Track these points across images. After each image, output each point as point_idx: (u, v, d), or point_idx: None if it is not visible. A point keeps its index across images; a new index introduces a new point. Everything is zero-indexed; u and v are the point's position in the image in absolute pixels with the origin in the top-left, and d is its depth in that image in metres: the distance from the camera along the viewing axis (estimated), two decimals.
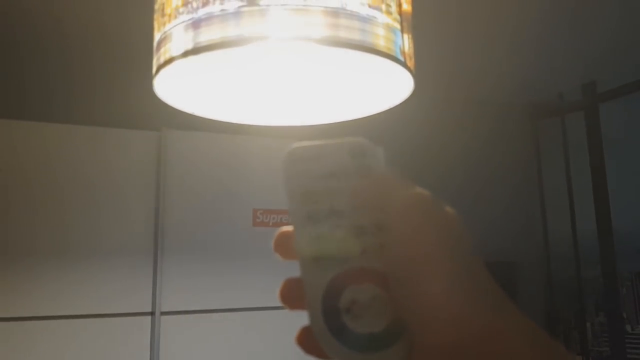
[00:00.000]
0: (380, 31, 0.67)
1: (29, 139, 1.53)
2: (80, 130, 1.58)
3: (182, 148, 1.65)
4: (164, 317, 1.54)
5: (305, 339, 0.28)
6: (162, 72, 0.70)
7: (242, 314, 1.62)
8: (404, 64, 0.70)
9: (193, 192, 1.64)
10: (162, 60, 0.69)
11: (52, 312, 1.46)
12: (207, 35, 0.64)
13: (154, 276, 1.55)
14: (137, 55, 1.61)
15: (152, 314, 1.53)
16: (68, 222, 1.51)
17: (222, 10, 0.63)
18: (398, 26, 0.70)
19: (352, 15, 0.65)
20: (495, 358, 0.24)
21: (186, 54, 0.65)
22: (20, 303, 1.44)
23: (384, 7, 0.68)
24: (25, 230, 1.47)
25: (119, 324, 1.51)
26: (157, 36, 0.72)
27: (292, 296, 0.30)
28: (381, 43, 0.67)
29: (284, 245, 0.31)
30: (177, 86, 0.80)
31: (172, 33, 0.68)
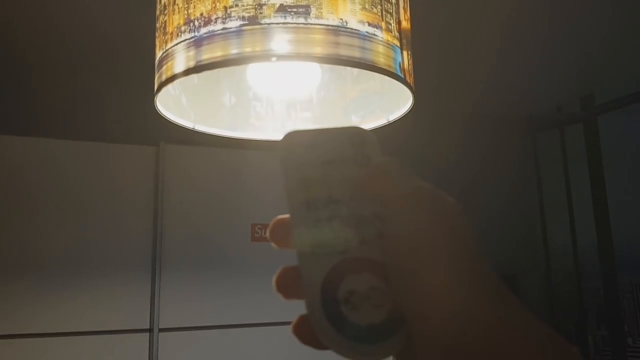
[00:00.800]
0: (380, 48, 0.67)
1: (27, 155, 1.53)
2: (78, 146, 1.58)
3: (180, 163, 1.65)
4: (162, 334, 1.52)
5: (302, 328, 0.27)
6: (164, 90, 0.70)
7: (241, 330, 1.61)
8: (403, 81, 0.70)
9: (191, 207, 1.64)
10: (163, 77, 0.69)
11: (49, 330, 1.44)
12: (209, 53, 0.64)
13: (152, 292, 1.54)
14: (135, 70, 1.61)
15: (150, 330, 1.52)
16: (65, 237, 1.50)
17: (224, 29, 0.63)
18: (397, 43, 0.70)
19: (352, 33, 0.65)
20: (498, 351, 0.23)
21: (188, 71, 0.66)
22: (16, 320, 1.43)
23: (383, 25, 0.68)
24: (22, 246, 1.46)
25: (116, 341, 1.49)
26: (158, 54, 0.72)
27: (287, 285, 0.29)
28: (381, 60, 0.67)
29: (280, 233, 0.30)
30: (177, 102, 0.80)
31: (174, 51, 0.68)
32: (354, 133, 0.31)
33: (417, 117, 2.45)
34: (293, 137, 0.31)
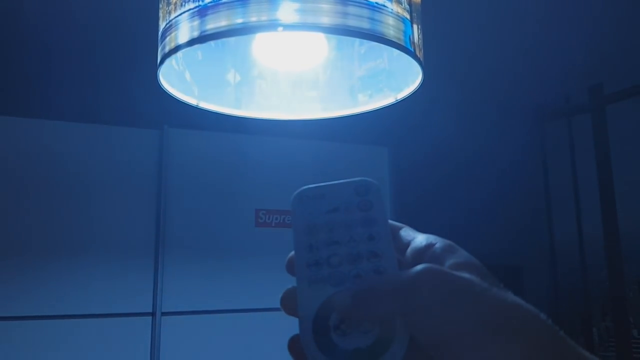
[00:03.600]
0: (390, 20, 0.65)
1: (30, 137, 1.52)
2: (81, 128, 1.57)
3: (184, 147, 1.64)
4: (164, 318, 1.52)
5: (295, 348, 0.30)
6: (167, 61, 0.69)
7: (243, 315, 1.60)
8: (413, 55, 0.68)
9: (195, 191, 1.63)
10: (167, 49, 0.68)
11: (52, 312, 1.44)
12: (214, 23, 0.63)
13: (155, 276, 1.53)
14: (139, 52, 1.59)
15: (152, 314, 1.51)
16: (69, 221, 1.50)
17: None
18: (407, 16, 0.68)
19: (361, 4, 0.64)
20: None
21: (192, 42, 0.64)
22: (20, 302, 1.43)
23: None
24: (25, 229, 1.46)
25: (119, 325, 1.49)
26: (162, 25, 0.71)
27: (290, 305, 0.31)
28: (391, 32, 0.65)
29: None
30: (181, 78, 0.78)
31: (178, 21, 0.67)
32: (359, 183, 0.34)
33: (424, 104, 2.43)
34: (303, 193, 0.34)
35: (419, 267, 0.28)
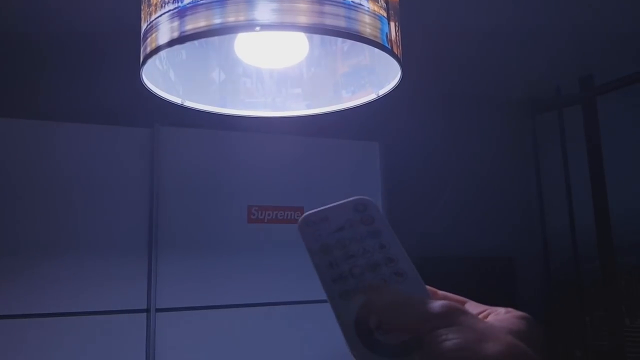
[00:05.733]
0: (366, 18, 0.67)
1: (21, 137, 1.53)
2: (72, 128, 1.58)
3: (175, 144, 1.65)
4: (159, 314, 1.53)
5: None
6: (151, 61, 0.70)
7: (237, 310, 1.62)
8: (390, 52, 0.69)
9: (187, 188, 1.64)
10: (148, 50, 0.69)
11: (46, 310, 1.45)
12: (193, 23, 0.64)
13: (149, 273, 1.55)
14: (128, 52, 1.60)
15: (147, 311, 1.53)
16: (62, 219, 1.51)
17: None
18: (384, 14, 0.69)
19: (338, 3, 0.65)
20: None
21: (172, 42, 0.65)
22: (14, 301, 1.44)
23: None
24: (18, 227, 1.47)
25: (114, 321, 1.50)
26: (143, 26, 0.72)
27: None
28: (367, 30, 0.67)
29: None
30: (165, 77, 0.80)
31: (158, 22, 0.68)
32: (357, 202, 0.37)
33: (415, 99, 2.44)
34: (308, 218, 0.37)
35: (507, 339, 0.28)
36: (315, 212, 0.37)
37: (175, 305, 1.56)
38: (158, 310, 1.53)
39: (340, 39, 0.86)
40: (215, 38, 0.85)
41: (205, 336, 1.58)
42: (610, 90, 2.29)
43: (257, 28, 0.62)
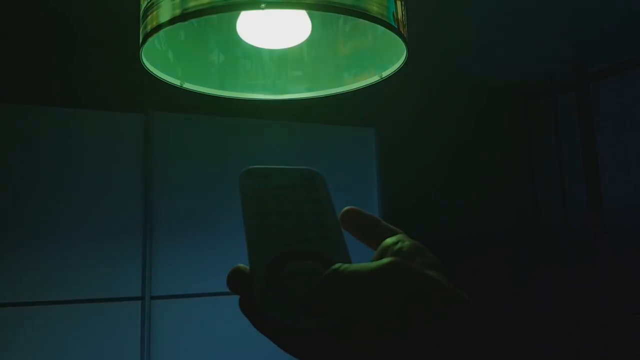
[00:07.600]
0: None
1: (14, 122, 1.50)
2: (66, 113, 1.55)
3: (169, 130, 1.63)
4: (154, 302, 1.52)
5: (234, 279, 0.31)
6: (150, 41, 0.68)
7: (232, 297, 1.61)
8: (397, 31, 0.68)
9: (182, 175, 1.62)
10: (148, 28, 0.67)
11: (41, 298, 1.44)
12: (196, 0, 0.62)
13: (144, 261, 1.53)
14: (122, 37, 1.57)
15: (142, 298, 1.52)
16: (55, 206, 1.48)
17: None
18: None
19: None
20: None
21: (174, 20, 0.63)
22: (8, 289, 1.42)
23: None
24: (12, 216, 1.45)
25: (109, 309, 1.49)
26: (143, 4, 0.70)
27: (234, 280, 0.32)
28: (374, 9, 0.65)
29: (235, 281, 0.32)
30: (164, 58, 0.77)
31: (159, 0, 0.66)
32: (306, 171, 0.36)
33: (410, 85, 2.43)
34: (252, 170, 0.36)
35: (386, 259, 0.28)
36: (261, 167, 0.36)
37: (170, 293, 1.55)
38: (153, 297, 1.52)
39: (342, 20, 0.85)
40: (215, 18, 0.83)
41: (200, 323, 1.57)
42: (603, 77, 2.30)
43: (263, 5, 0.60)
